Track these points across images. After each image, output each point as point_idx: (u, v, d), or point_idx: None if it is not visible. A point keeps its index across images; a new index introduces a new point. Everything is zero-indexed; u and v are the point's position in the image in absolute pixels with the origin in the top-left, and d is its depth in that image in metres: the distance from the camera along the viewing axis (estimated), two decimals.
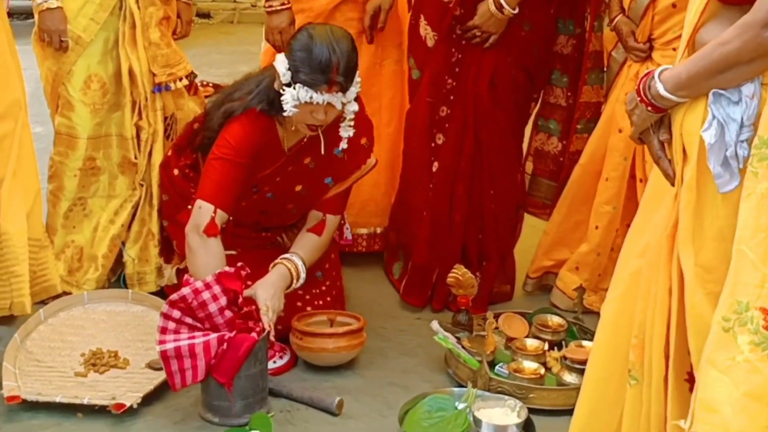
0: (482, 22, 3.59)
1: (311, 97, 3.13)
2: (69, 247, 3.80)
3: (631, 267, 2.23)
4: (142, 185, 3.79)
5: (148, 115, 3.73)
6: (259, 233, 3.65)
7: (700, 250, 1.98)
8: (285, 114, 3.20)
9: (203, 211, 3.23)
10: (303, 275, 3.38)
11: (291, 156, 3.44)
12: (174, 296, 3.01)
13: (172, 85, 3.76)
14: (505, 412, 3.05)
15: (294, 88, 3.14)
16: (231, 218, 3.36)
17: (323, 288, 3.63)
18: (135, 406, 3.02)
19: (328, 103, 3.16)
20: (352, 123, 3.32)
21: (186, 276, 3.15)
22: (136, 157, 3.75)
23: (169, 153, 3.73)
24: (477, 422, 3.01)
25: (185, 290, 3.00)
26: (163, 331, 3.00)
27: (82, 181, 3.78)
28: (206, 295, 3.00)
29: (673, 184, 2.06)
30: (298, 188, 3.51)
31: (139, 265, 3.81)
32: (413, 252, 3.89)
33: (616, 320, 2.26)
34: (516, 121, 3.83)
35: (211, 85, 6.79)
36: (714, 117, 1.91)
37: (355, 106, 3.29)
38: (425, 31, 3.74)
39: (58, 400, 3.05)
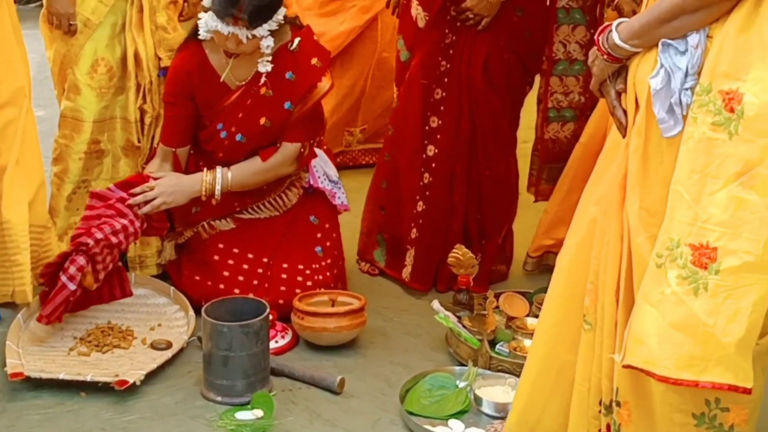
0: (474, 5, 3.59)
1: (217, 26, 3.29)
2: (72, 229, 3.79)
3: (588, 215, 2.27)
4: (144, 169, 3.79)
5: (152, 98, 3.73)
6: (255, 198, 3.68)
7: (646, 194, 2.05)
8: (200, 37, 3.39)
9: (160, 149, 3.61)
10: (218, 187, 3.52)
11: (247, 88, 3.51)
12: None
13: None
14: (506, 390, 3.07)
15: (208, 14, 3.32)
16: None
17: (323, 264, 3.64)
18: (138, 383, 3.04)
19: (234, 34, 3.29)
20: (269, 59, 3.41)
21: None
22: (139, 141, 3.76)
23: None
24: (478, 400, 3.04)
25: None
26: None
27: (87, 164, 3.78)
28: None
29: (624, 135, 2.13)
30: (263, 121, 3.53)
31: (140, 248, 3.81)
32: (405, 232, 3.88)
33: (572, 266, 2.30)
34: (509, 103, 3.81)
35: None
36: (662, 65, 2.00)
37: (269, 41, 3.36)
38: (416, 11, 3.71)
39: (61, 377, 3.06)
